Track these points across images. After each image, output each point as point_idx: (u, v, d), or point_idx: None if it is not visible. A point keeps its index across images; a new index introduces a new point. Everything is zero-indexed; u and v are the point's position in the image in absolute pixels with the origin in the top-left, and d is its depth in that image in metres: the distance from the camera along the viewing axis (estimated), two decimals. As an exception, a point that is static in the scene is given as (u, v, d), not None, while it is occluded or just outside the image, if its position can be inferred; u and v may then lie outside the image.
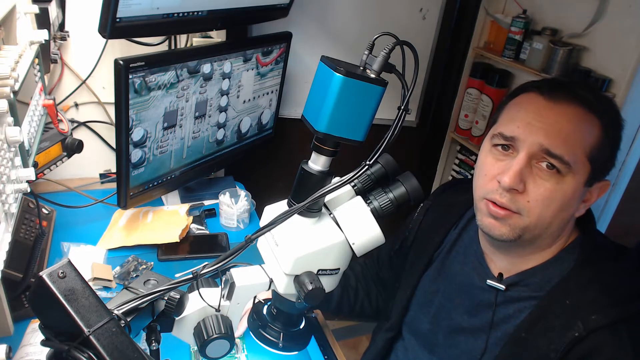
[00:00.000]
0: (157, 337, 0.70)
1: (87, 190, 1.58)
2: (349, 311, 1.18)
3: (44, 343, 0.57)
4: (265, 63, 1.57)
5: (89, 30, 1.45)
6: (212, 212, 1.60)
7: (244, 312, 0.82)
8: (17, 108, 0.73)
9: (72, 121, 1.60)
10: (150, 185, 1.38)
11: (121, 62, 1.11)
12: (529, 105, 0.82)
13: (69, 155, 1.21)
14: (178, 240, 1.38)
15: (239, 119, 1.60)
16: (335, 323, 2.32)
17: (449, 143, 2.20)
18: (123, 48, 1.51)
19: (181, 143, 1.41)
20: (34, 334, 0.97)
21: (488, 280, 0.89)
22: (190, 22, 1.24)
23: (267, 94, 1.67)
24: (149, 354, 0.68)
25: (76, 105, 1.60)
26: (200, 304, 0.73)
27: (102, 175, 1.70)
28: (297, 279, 0.66)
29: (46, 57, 1.27)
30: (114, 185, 1.44)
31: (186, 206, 1.54)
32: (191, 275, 0.66)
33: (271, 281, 0.73)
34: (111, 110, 1.61)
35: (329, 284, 0.69)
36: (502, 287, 0.87)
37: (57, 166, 1.19)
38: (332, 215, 0.69)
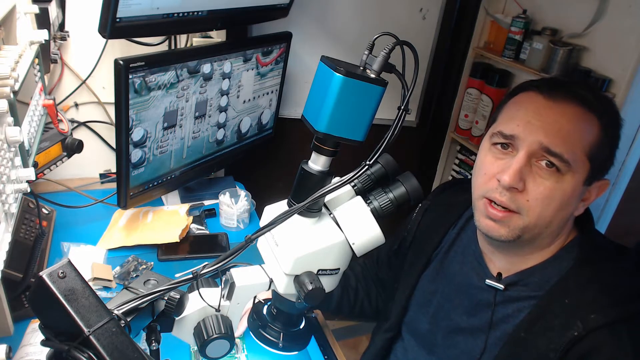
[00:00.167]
0: (157, 337, 0.70)
1: (87, 190, 1.58)
2: (349, 311, 1.18)
3: (44, 343, 0.57)
4: (265, 63, 1.57)
5: (89, 30, 1.45)
6: (212, 212, 1.60)
7: (244, 312, 0.82)
8: (17, 108, 0.73)
9: (72, 121, 1.60)
10: (150, 185, 1.38)
11: (121, 62, 1.11)
12: (528, 104, 0.82)
13: (69, 155, 1.21)
14: (178, 240, 1.38)
15: (239, 119, 1.60)
16: (335, 323, 2.32)
17: (449, 143, 2.20)
18: (123, 48, 1.51)
19: (181, 143, 1.41)
20: (34, 334, 0.97)
21: (487, 280, 0.89)
22: (190, 22, 1.24)
23: (267, 94, 1.67)
24: (149, 354, 0.68)
25: (76, 105, 1.60)
26: (200, 304, 0.73)
27: (102, 175, 1.70)
28: (297, 279, 0.66)
29: (46, 57, 1.27)
30: (114, 185, 1.44)
31: (186, 206, 1.54)
32: (191, 275, 0.66)
33: (271, 281, 0.73)
34: (111, 110, 1.61)
35: (329, 284, 0.69)
36: (501, 286, 0.87)
37: (57, 166, 1.19)
38: (332, 215, 0.69)
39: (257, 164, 2.06)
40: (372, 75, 0.59)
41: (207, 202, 1.66)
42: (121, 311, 0.62)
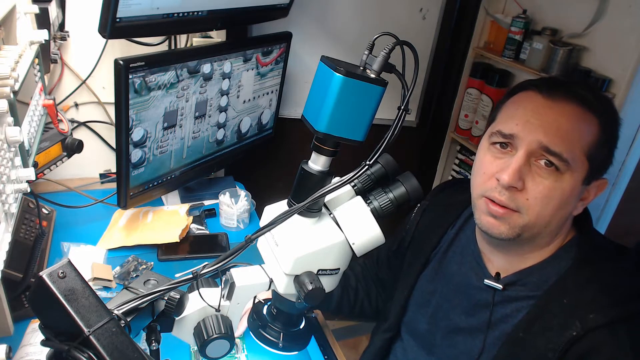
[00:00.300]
0: (157, 337, 0.70)
1: (87, 190, 1.58)
2: (348, 311, 1.18)
3: (44, 343, 0.57)
4: (265, 63, 1.57)
5: (89, 30, 1.45)
6: (212, 212, 1.60)
7: (244, 312, 0.82)
8: (17, 108, 0.73)
9: (72, 121, 1.60)
10: (150, 185, 1.38)
11: (121, 62, 1.11)
12: (527, 103, 0.82)
13: (69, 155, 1.21)
14: (178, 240, 1.38)
15: (239, 119, 1.60)
16: (335, 323, 2.32)
17: (449, 143, 2.20)
18: (123, 48, 1.51)
19: (181, 143, 1.41)
20: (34, 334, 0.97)
21: (485, 280, 0.89)
22: (190, 22, 1.24)
23: (267, 94, 1.67)
24: (149, 354, 0.68)
25: (76, 105, 1.60)
26: (200, 304, 0.73)
27: (102, 175, 1.70)
28: (297, 279, 0.66)
29: (46, 57, 1.27)
30: (114, 185, 1.44)
31: (186, 206, 1.54)
32: (191, 275, 0.66)
33: (271, 281, 0.73)
34: (111, 110, 1.61)
35: (329, 284, 0.69)
36: (500, 286, 0.87)
37: (57, 166, 1.19)
38: (332, 215, 0.69)
39: (257, 164, 2.06)
40: (372, 75, 0.59)
41: (207, 202, 1.66)
42: (121, 311, 0.62)
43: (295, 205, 0.63)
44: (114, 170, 1.68)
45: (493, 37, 1.94)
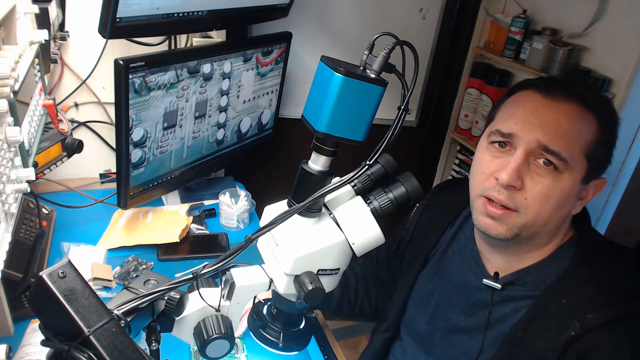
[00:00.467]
0: (157, 337, 0.70)
1: (87, 190, 1.58)
2: (348, 311, 1.18)
3: (44, 343, 0.57)
4: (265, 63, 1.57)
5: (89, 30, 1.45)
6: (212, 212, 1.60)
7: (244, 312, 0.82)
8: (17, 108, 0.73)
9: (72, 121, 1.60)
10: (150, 185, 1.38)
11: (121, 62, 1.11)
12: (526, 102, 0.82)
13: (69, 155, 1.21)
14: (178, 240, 1.38)
15: (239, 119, 1.60)
16: (335, 323, 2.32)
17: (449, 143, 2.20)
18: (123, 48, 1.51)
19: (181, 143, 1.41)
20: (34, 334, 0.97)
21: (484, 280, 0.89)
22: (190, 22, 1.24)
23: (267, 94, 1.67)
24: (149, 354, 0.68)
25: (76, 105, 1.60)
26: (200, 304, 0.73)
27: (102, 175, 1.70)
28: (297, 279, 0.66)
29: (46, 57, 1.27)
30: (114, 185, 1.44)
31: (186, 206, 1.54)
32: (191, 275, 0.66)
33: (271, 281, 0.73)
34: (111, 110, 1.61)
35: (329, 284, 0.69)
36: (498, 286, 0.87)
37: (57, 166, 1.19)
38: (332, 215, 0.69)
39: (257, 164, 2.06)
40: (372, 75, 0.59)
41: (207, 202, 1.66)
42: (121, 311, 0.62)
43: (295, 205, 0.63)
44: (114, 170, 1.68)
45: (493, 37, 1.94)
